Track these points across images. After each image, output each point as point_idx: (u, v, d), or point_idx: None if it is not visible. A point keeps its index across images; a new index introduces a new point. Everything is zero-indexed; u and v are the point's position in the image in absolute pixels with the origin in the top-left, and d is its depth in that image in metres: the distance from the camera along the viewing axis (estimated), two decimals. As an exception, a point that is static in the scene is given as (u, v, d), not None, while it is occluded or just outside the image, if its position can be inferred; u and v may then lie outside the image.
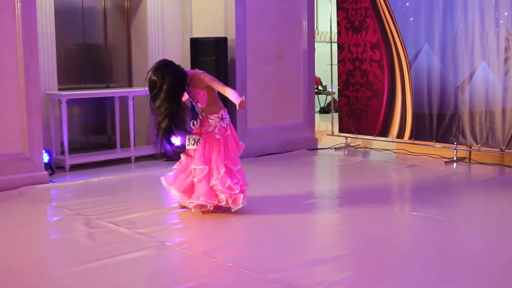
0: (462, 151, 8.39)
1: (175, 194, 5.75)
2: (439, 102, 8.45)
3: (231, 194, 5.51)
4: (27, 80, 6.70)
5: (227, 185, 5.49)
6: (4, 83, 6.60)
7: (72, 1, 8.57)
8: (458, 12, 8.15)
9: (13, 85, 6.65)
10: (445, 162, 8.22)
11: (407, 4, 8.72)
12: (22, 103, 6.71)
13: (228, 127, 5.66)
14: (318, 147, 9.55)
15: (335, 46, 9.79)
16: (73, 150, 8.05)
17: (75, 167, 7.85)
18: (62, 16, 8.31)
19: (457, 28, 8.18)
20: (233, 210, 5.57)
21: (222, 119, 5.59)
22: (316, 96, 13.40)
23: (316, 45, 9.97)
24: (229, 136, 5.67)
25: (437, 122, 8.49)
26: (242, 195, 5.56)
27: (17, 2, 6.60)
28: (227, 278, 4.10)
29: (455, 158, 8.31)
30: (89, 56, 8.82)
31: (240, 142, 5.85)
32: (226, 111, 5.67)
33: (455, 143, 8.32)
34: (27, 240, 4.96)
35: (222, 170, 5.51)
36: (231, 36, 8.51)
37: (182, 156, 5.67)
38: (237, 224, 5.50)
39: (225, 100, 5.95)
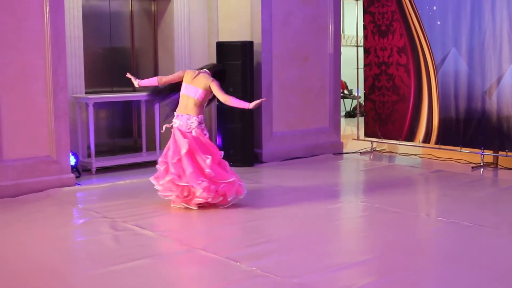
0: (489, 156, 8.30)
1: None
2: (466, 106, 8.37)
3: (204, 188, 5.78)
4: (55, 83, 6.78)
5: (198, 181, 5.77)
6: (32, 86, 6.68)
7: (99, 5, 8.66)
8: (485, 15, 8.07)
9: (41, 88, 6.72)
10: (472, 168, 8.13)
11: (434, 7, 8.65)
12: (49, 106, 6.78)
13: (204, 131, 6.03)
14: (344, 152, 9.51)
15: (361, 50, 9.76)
16: (99, 153, 8.12)
17: (101, 170, 7.91)
18: (90, 19, 8.40)
19: (485, 31, 8.10)
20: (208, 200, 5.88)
21: (200, 123, 5.98)
22: (341, 100, 13.35)
23: (342, 49, 9.94)
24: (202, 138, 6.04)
25: (464, 126, 8.41)
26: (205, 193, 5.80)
27: (46, 6, 6.68)
28: (251, 282, 4.09)
29: (482, 164, 8.21)
30: (116, 60, 8.89)
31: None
32: (203, 118, 6.05)
33: (482, 148, 8.24)
34: (53, 242, 5.01)
35: (189, 171, 5.76)
36: (257, 40, 8.52)
37: None
38: (261, 228, 5.50)
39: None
